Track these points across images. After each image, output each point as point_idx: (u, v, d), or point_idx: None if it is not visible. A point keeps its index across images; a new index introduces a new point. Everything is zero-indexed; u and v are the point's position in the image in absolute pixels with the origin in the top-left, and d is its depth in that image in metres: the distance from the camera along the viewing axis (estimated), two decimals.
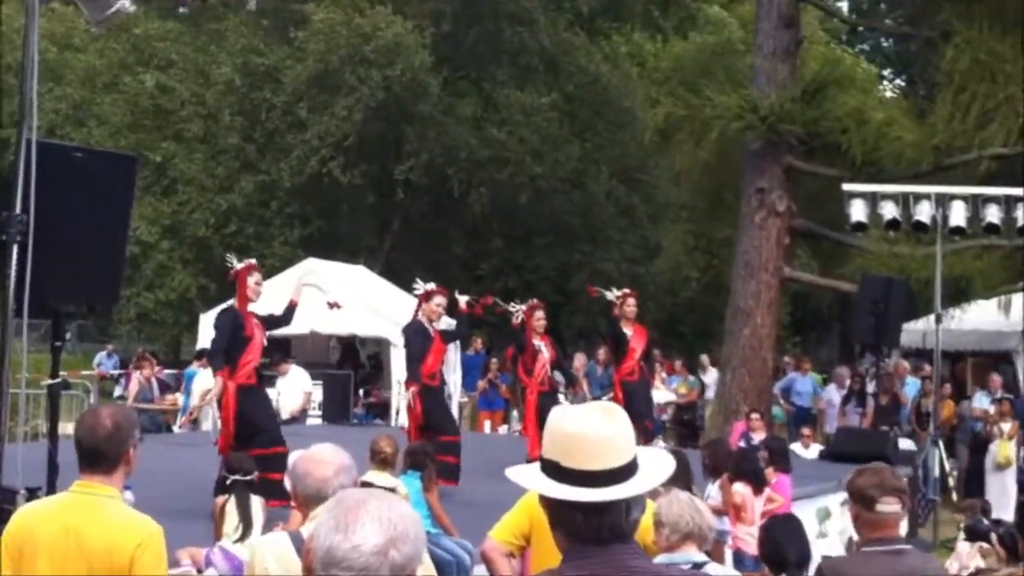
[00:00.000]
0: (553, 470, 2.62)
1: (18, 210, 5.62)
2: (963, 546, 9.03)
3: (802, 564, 4.95)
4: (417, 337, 9.79)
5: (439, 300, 9.90)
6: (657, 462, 2.73)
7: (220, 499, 6.90)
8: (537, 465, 2.71)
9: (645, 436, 9.95)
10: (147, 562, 3.75)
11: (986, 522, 5.43)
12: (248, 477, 6.92)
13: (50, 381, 6.44)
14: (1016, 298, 16.58)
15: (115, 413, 3.91)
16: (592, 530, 2.57)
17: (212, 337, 8.81)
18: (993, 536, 4.80)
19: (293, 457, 4.15)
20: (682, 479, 5.76)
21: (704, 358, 19.67)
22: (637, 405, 10.49)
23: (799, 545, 5.08)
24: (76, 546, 3.73)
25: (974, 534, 5.69)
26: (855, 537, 4.38)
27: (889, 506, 3.99)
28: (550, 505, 2.64)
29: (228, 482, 6.91)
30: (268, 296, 9.71)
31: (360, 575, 2.23)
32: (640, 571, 2.59)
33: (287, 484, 4.26)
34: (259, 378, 9.01)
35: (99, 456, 3.81)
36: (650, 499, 4.95)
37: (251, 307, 8.83)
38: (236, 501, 6.76)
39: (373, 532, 2.25)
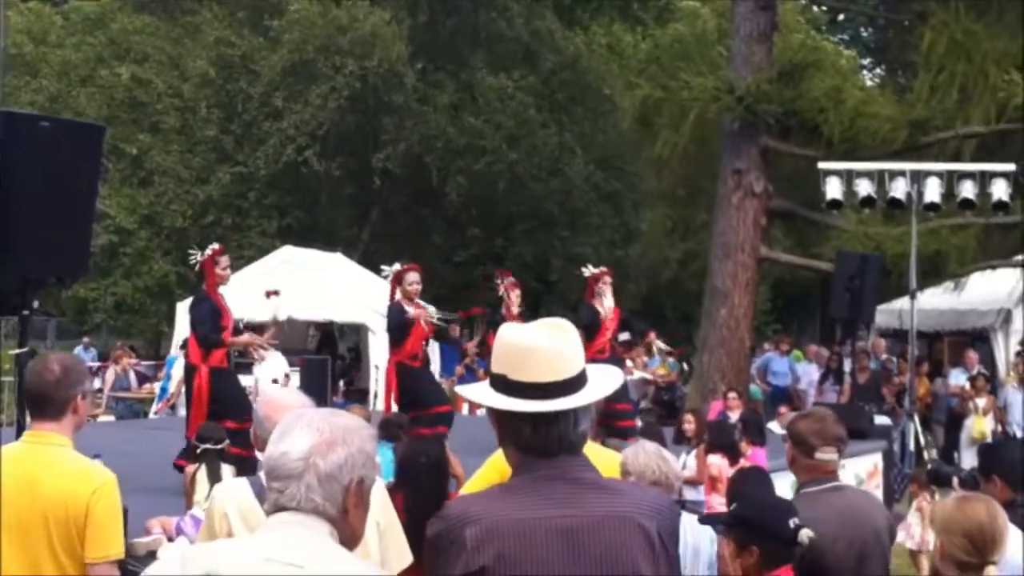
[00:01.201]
0: (501, 384, 2.60)
1: None
2: (914, 517, 9.05)
3: None
4: (397, 318, 9.59)
5: (412, 277, 9.59)
6: (606, 375, 2.72)
7: (191, 468, 6.88)
8: (487, 381, 2.69)
9: (619, 419, 9.73)
10: (102, 510, 3.73)
11: (948, 467, 5.48)
12: (219, 446, 6.89)
13: (18, 350, 6.38)
14: (982, 276, 16.60)
15: (63, 359, 3.89)
16: (541, 442, 2.56)
17: (197, 324, 8.58)
18: (955, 479, 4.83)
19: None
20: None
21: None
22: None
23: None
24: (30, 496, 3.70)
25: (937, 478, 5.74)
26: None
27: (828, 455, 4.02)
28: (500, 420, 2.62)
29: (198, 451, 6.88)
30: (246, 284, 9.66)
31: (287, 484, 2.22)
32: (590, 482, 2.58)
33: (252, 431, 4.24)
34: (230, 361, 8.99)
35: (46, 401, 3.78)
36: (617, 451, 4.97)
37: (221, 290, 8.75)
38: (207, 470, 6.74)
39: (302, 439, 2.25)
